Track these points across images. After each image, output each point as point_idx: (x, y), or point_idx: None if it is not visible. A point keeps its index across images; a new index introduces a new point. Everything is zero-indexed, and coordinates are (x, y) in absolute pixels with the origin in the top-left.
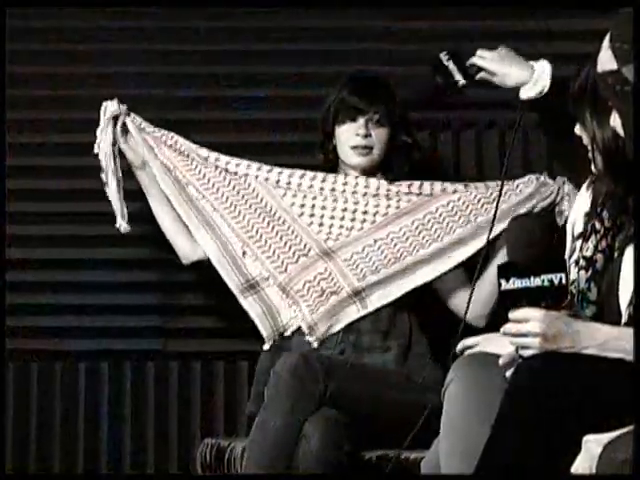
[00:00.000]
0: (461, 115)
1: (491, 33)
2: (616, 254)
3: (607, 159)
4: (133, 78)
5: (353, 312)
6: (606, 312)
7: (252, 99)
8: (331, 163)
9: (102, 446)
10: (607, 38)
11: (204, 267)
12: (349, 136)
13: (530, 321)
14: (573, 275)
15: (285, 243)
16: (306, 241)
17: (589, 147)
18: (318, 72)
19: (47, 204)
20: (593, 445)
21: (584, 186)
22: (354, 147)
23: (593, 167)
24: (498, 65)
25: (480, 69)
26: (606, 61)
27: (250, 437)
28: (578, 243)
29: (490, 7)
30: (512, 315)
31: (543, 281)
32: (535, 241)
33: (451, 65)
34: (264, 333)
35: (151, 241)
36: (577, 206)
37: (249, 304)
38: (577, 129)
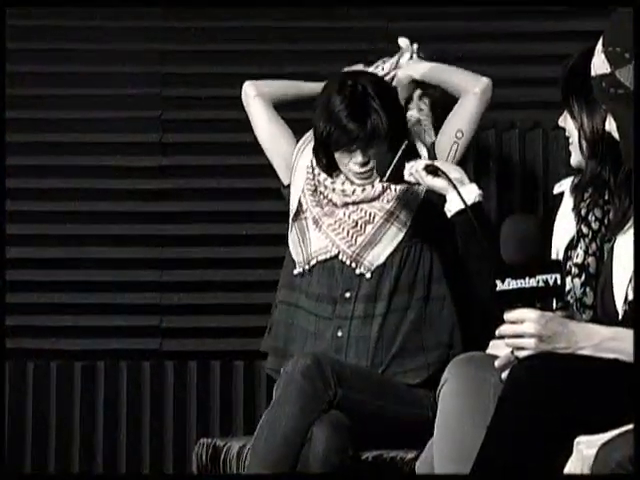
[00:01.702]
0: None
1: (488, 33)
2: (606, 253)
3: (593, 144)
4: (130, 77)
5: (394, 233)
6: (602, 313)
7: None
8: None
9: (97, 445)
10: (600, 42)
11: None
12: (347, 163)
13: (525, 322)
14: (568, 285)
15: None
16: (331, 196)
17: (571, 139)
18: (315, 72)
19: (44, 203)
20: (584, 447)
21: (567, 192)
22: (354, 173)
23: (573, 160)
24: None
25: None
26: (599, 65)
27: (256, 435)
28: (563, 250)
29: (488, 7)
30: (507, 316)
31: (538, 282)
32: (530, 241)
33: (397, 158)
34: (295, 259)
35: (147, 240)
36: (562, 212)
37: (292, 228)
38: (561, 120)
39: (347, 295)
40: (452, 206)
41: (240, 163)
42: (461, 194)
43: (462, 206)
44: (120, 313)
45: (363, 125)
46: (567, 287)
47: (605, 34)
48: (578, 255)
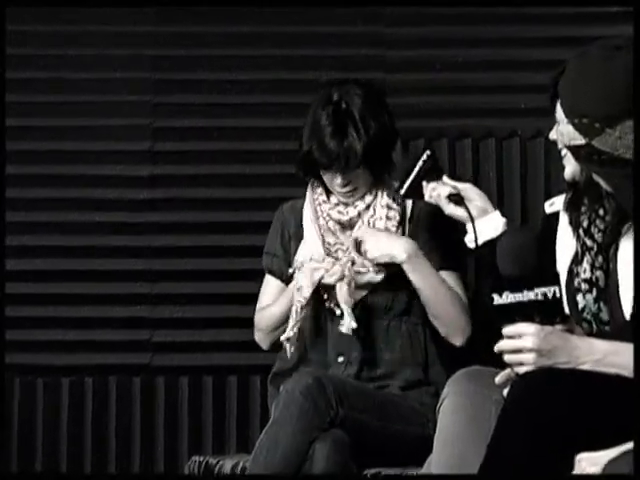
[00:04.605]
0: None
1: (487, 38)
2: (611, 264)
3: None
4: (120, 84)
5: (370, 277)
6: (613, 325)
7: (244, 105)
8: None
9: (86, 464)
10: (560, 108)
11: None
12: (330, 182)
13: (524, 336)
14: (581, 302)
15: None
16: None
17: (564, 151)
18: (310, 79)
19: (29, 214)
20: (586, 464)
21: (561, 210)
22: (337, 193)
23: (567, 173)
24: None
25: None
26: (570, 135)
27: (255, 455)
28: (567, 268)
29: (487, 10)
30: (506, 331)
31: (537, 295)
32: (527, 254)
33: (416, 171)
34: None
35: (137, 252)
36: (560, 230)
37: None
38: (552, 134)
39: (340, 360)
40: (472, 239)
41: (234, 172)
42: (476, 232)
43: (484, 239)
44: (109, 327)
45: (341, 145)
46: (580, 304)
47: (562, 100)
48: (585, 270)
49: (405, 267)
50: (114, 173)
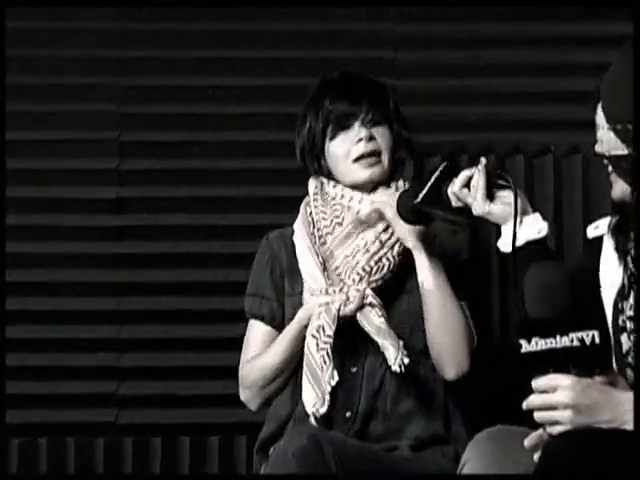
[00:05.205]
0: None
1: (512, 38)
2: None
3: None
4: (82, 90)
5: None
6: None
7: (229, 116)
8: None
9: None
10: (601, 112)
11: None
12: (348, 148)
13: (558, 390)
14: (626, 344)
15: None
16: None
17: (611, 166)
18: (308, 84)
19: None
20: None
21: (606, 235)
22: (358, 159)
23: (615, 191)
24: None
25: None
26: (612, 144)
27: None
28: (612, 303)
29: (505, 8)
30: (536, 384)
31: (572, 340)
32: (560, 292)
33: (434, 177)
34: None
35: (102, 288)
36: (603, 259)
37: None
38: (598, 147)
39: (348, 415)
40: (511, 242)
41: (217, 195)
42: (515, 232)
43: (525, 240)
44: (67, 377)
45: (359, 100)
46: (624, 347)
47: (604, 103)
48: (631, 306)
49: (413, 253)
50: (74, 196)
